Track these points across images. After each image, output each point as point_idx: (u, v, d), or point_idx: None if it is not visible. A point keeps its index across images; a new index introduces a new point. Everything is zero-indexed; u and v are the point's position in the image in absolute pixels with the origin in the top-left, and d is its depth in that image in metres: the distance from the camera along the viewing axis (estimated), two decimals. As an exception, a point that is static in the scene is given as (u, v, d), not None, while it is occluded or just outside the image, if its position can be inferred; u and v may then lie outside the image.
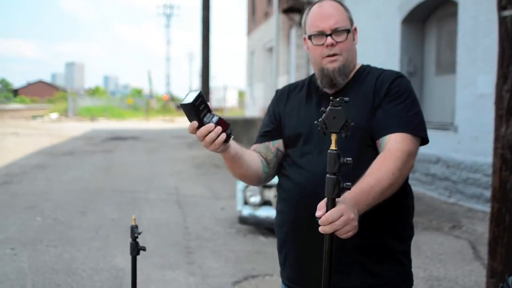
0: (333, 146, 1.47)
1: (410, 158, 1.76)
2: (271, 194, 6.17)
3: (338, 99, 1.48)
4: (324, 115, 1.48)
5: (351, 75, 1.96)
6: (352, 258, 1.82)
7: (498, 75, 3.78)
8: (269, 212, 5.98)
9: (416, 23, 10.05)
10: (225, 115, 34.05)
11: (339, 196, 1.47)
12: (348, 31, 1.90)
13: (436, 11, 9.74)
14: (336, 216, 1.45)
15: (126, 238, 5.77)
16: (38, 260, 5.23)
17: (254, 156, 1.96)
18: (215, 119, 1.66)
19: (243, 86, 35.22)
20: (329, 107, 1.48)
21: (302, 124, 1.93)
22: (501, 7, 3.75)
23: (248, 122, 18.45)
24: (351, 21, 1.95)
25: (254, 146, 2.04)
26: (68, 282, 4.65)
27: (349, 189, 1.48)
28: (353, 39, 1.96)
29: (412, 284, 1.95)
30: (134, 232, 2.23)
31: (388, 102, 1.85)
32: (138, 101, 53.13)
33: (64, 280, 4.69)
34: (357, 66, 2.00)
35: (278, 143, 2.00)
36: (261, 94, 23.63)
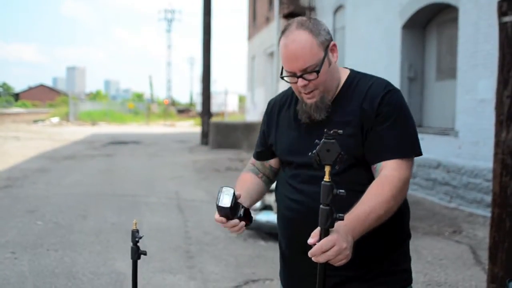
0: (326, 178, 1.50)
1: (405, 185, 1.77)
2: (271, 199, 6.18)
3: (332, 132, 1.53)
4: (318, 147, 1.52)
5: (337, 91, 1.89)
6: (346, 271, 1.82)
7: (499, 80, 3.79)
8: (270, 217, 5.98)
9: (417, 28, 10.07)
10: (226, 119, 34.08)
11: (332, 227, 1.50)
12: (318, 71, 1.78)
13: (437, 17, 9.76)
14: (328, 246, 1.48)
15: (126, 242, 5.79)
16: (38, 264, 5.23)
17: (258, 185, 2.09)
18: (241, 212, 1.82)
19: (243, 90, 35.27)
20: (323, 139, 1.52)
21: (294, 153, 1.93)
22: (501, 13, 3.76)
23: (248, 127, 18.47)
24: (325, 44, 1.82)
25: (253, 161, 2.17)
26: (68, 286, 4.66)
27: (342, 219, 1.50)
28: (329, 64, 1.83)
29: (410, 283, 1.96)
30: (135, 236, 2.24)
31: (379, 124, 1.79)
32: (139, 106, 53.19)
33: (64, 284, 4.69)
34: (343, 78, 1.92)
35: (270, 162, 2.12)
36: (261, 99, 23.64)
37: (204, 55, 20.39)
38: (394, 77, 10.21)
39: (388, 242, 1.88)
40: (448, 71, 9.28)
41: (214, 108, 29.89)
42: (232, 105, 48.26)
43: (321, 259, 1.49)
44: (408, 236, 1.99)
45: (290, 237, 1.95)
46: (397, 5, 10.27)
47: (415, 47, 10.13)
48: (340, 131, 1.53)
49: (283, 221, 1.99)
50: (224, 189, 1.77)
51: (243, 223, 1.82)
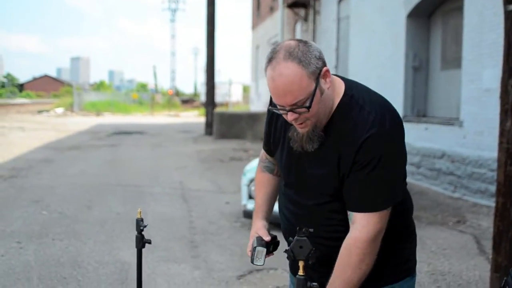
0: (301, 272, 1.65)
1: (375, 240, 1.75)
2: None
3: (304, 230, 1.65)
4: (291, 244, 1.67)
5: (330, 115, 1.78)
6: None
7: (504, 69, 3.77)
8: (275, 207, 5.98)
9: (422, 17, 10.01)
10: (230, 110, 34.06)
11: None
12: (308, 106, 1.66)
13: (442, 6, 9.71)
14: None
15: (131, 232, 5.81)
16: (44, 254, 5.26)
17: (277, 184, 2.15)
18: (271, 248, 2.04)
19: (248, 81, 35.21)
20: (296, 237, 1.66)
21: (284, 171, 1.98)
22: (507, 1, 3.74)
23: (253, 117, 18.46)
24: (316, 73, 1.67)
25: (266, 154, 2.15)
26: (74, 275, 4.68)
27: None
28: (322, 93, 1.70)
29: (410, 273, 1.97)
30: (140, 225, 2.25)
31: (355, 173, 1.73)
32: (143, 96, 53.18)
33: (70, 273, 4.72)
34: (337, 101, 1.78)
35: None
36: (266, 89, 23.60)
37: (208, 45, 20.35)
38: (398, 67, 10.18)
39: (392, 240, 1.88)
40: (453, 61, 9.23)
41: (218, 98, 29.88)
42: (236, 95, 48.19)
43: None
44: (413, 233, 2.00)
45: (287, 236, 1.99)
46: (402, -6, 10.21)
47: (419, 37, 10.08)
48: (311, 230, 1.66)
49: (282, 224, 2.09)
50: (258, 249, 1.96)
51: (273, 252, 2.07)
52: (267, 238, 1.99)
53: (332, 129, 1.77)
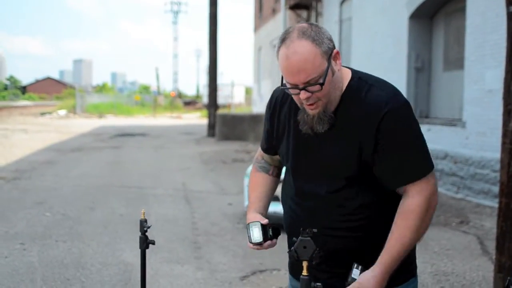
0: (304, 272, 1.65)
1: (432, 203, 1.78)
2: (278, 190, 6.18)
3: (307, 230, 1.65)
4: (295, 244, 1.67)
5: (339, 100, 1.80)
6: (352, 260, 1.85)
7: (507, 70, 3.77)
8: (277, 208, 5.95)
9: (424, 18, 10.02)
10: (232, 111, 34.08)
11: None
12: (322, 83, 1.69)
13: (444, 7, 9.71)
14: None
15: (134, 234, 5.81)
16: (47, 255, 5.27)
17: (272, 183, 2.17)
18: (271, 232, 1.95)
19: (250, 82, 35.23)
20: (300, 237, 1.67)
21: (292, 160, 1.93)
22: (509, 2, 3.74)
23: (255, 119, 18.48)
24: (328, 53, 1.71)
25: (262, 153, 2.14)
26: (77, 277, 4.69)
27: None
28: (333, 74, 1.74)
29: (415, 273, 1.97)
30: (144, 226, 2.25)
31: (385, 148, 1.74)
32: (146, 98, 53.26)
33: (73, 275, 4.73)
34: (345, 82, 1.81)
35: (278, 156, 2.08)
36: (268, 91, 23.61)
37: (211, 47, 20.37)
38: (401, 68, 10.18)
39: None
40: (456, 62, 9.23)
41: (220, 100, 29.90)
42: (238, 97, 48.22)
43: None
44: None
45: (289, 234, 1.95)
46: (404, -5, 10.21)
47: (422, 38, 10.08)
48: (315, 230, 1.66)
49: (286, 216, 2.03)
50: (251, 224, 1.89)
51: (275, 240, 1.97)
52: (264, 221, 1.91)
53: (344, 111, 1.79)
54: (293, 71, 1.69)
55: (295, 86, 1.72)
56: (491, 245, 5.24)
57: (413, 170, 1.75)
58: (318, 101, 1.75)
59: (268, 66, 24.30)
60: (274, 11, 22.30)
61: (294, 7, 17.28)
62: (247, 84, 53.14)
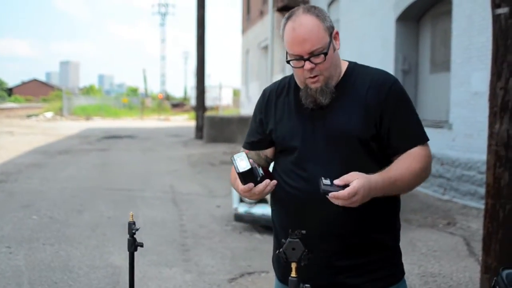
0: (293, 274, 1.65)
1: (430, 164, 1.91)
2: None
3: (296, 232, 1.66)
4: (284, 246, 1.67)
5: (339, 79, 1.92)
6: (342, 256, 1.88)
7: (492, 72, 3.81)
8: (265, 210, 5.99)
9: (411, 21, 10.08)
10: (220, 113, 34.05)
11: None
12: (326, 53, 1.82)
13: (431, 9, 9.78)
14: (352, 195, 1.66)
15: (122, 236, 5.79)
16: (34, 258, 5.23)
17: None
18: (261, 170, 1.81)
19: (238, 84, 35.24)
20: (288, 239, 1.66)
21: (296, 137, 1.93)
22: (495, 5, 3.78)
23: (243, 121, 18.46)
24: (330, 30, 1.86)
25: (246, 151, 2.06)
26: (64, 280, 4.66)
27: None
28: (334, 50, 1.88)
29: (403, 275, 1.99)
30: (132, 228, 2.25)
31: (395, 117, 1.86)
32: (133, 100, 53.03)
33: (60, 278, 4.70)
34: (344, 68, 1.96)
35: (266, 152, 2.06)
36: (256, 93, 23.63)
37: (198, 49, 20.35)
38: (388, 70, 10.04)
39: (392, 239, 1.93)
40: (442, 64, 9.30)
41: (208, 102, 29.86)
42: (226, 99, 48.20)
43: (341, 195, 1.65)
44: (399, 228, 2.02)
45: (293, 217, 1.91)
46: (391, -2, 10.28)
47: (409, 40, 10.15)
48: (303, 231, 1.67)
49: (284, 206, 1.95)
50: (235, 156, 1.77)
51: (268, 180, 1.80)
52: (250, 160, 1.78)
53: (347, 83, 1.92)
54: (299, 41, 1.82)
55: (300, 57, 1.83)
56: (478, 246, 5.28)
57: (418, 135, 1.90)
58: (320, 75, 1.85)
59: (255, 68, 24.33)
60: (261, 14, 22.33)
61: (282, 9, 17.31)
62: (235, 86, 53.16)
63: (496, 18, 3.78)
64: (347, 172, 1.73)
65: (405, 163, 1.82)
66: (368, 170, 1.76)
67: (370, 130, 1.84)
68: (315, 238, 1.81)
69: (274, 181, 1.84)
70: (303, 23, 1.82)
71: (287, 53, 1.88)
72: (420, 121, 1.93)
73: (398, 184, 1.79)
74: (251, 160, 1.77)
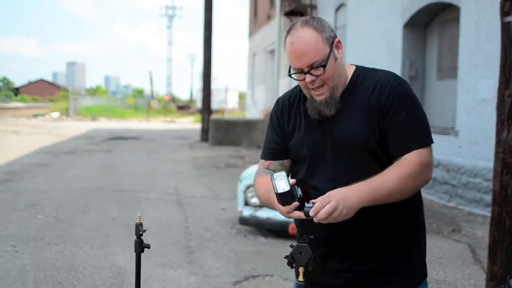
0: (301, 278, 1.68)
1: (427, 170, 1.84)
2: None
3: (304, 236, 1.69)
4: (292, 250, 1.69)
5: (345, 86, 1.92)
6: (359, 266, 1.90)
7: (500, 80, 3.81)
8: (270, 213, 5.99)
9: (418, 27, 10.08)
10: (226, 116, 34.09)
11: None
12: (325, 65, 1.83)
13: (438, 16, 9.78)
14: (325, 205, 1.67)
15: (127, 237, 5.82)
16: (39, 258, 5.25)
17: None
18: (299, 191, 1.75)
19: (244, 88, 35.26)
20: (296, 243, 1.69)
21: (306, 148, 1.95)
22: (504, 13, 3.78)
23: (248, 124, 18.49)
24: (330, 41, 1.86)
25: (266, 164, 2.06)
26: (69, 280, 4.68)
27: None
28: (335, 60, 1.88)
29: (425, 277, 2.00)
30: (139, 229, 2.26)
31: (393, 118, 1.84)
32: (139, 102, 53.14)
33: (65, 278, 4.72)
34: (350, 74, 1.95)
35: (289, 161, 2.05)
36: (262, 97, 23.65)
37: (205, 52, 20.39)
38: (395, 76, 10.21)
39: (401, 234, 1.92)
40: (449, 71, 9.29)
41: (214, 105, 29.88)
42: (232, 102, 48.20)
43: (320, 216, 1.65)
44: (423, 228, 2.02)
45: (305, 227, 1.91)
46: (398, 4, 10.28)
47: (416, 46, 10.14)
48: (312, 236, 1.71)
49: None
50: (276, 175, 1.72)
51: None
52: (291, 180, 1.77)
53: (352, 92, 1.91)
54: (297, 55, 1.84)
55: (300, 71, 1.85)
56: (483, 254, 5.27)
57: (414, 139, 1.84)
58: (323, 86, 1.87)
59: (262, 72, 24.34)
60: (269, 17, 22.36)
61: (289, 14, 17.34)
62: (240, 90, 53.18)
63: (504, 26, 3.79)
64: (354, 181, 1.76)
65: (391, 170, 1.79)
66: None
67: (375, 136, 1.85)
68: (326, 245, 1.86)
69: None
70: (300, 36, 1.84)
71: (290, 66, 1.90)
72: (424, 125, 1.89)
73: (382, 193, 1.76)
74: (293, 180, 1.75)
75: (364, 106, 1.87)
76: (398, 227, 1.90)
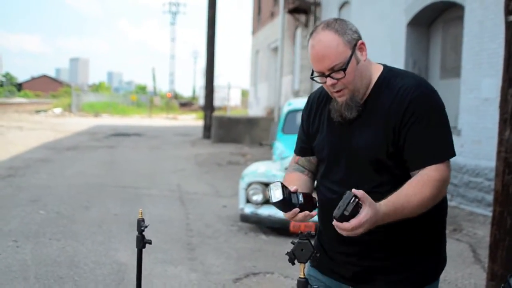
0: (301, 274, 1.68)
1: (444, 186, 1.83)
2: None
3: (305, 233, 1.69)
4: (293, 246, 1.69)
5: (369, 91, 1.91)
6: (372, 261, 1.93)
7: (504, 79, 3.80)
8: (271, 211, 6.00)
9: (422, 26, 10.06)
10: (228, 114, 34.10)
11: None
12: (345, 69, 1.82)
13: (442, 15, 9.75)
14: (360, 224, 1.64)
15: (128, 233, 5.82)
16: (41, 253, 5.26)
17: (306, 181, 2.07)
18: (300, 197, 1.81)
19: (246, 85, 35.26)
20: (298, 240, 1.69)
21: (325, 149, 1.98)
22: (508, 12, 3.77)
23: (251, 121, 18.49)
24: (352, 43, 1.85)
25: (296, 158, 2.15)
26: (70, 275, 4.69)
27: None
28: (357, 62, 1.86)
29: (442, 268, 2.14)
30: (141, 225, 2.26)
31: (411, 130, 1.81)
32: (142, 98, 53.15)
33: (66, 273, 4.72)
34: (376, 75, 1.93)
35: (314, 159, 2.10)
36: (265, 94, 23.64)
37: (208, 49, 20.39)
38: (398, 75, 10.20)
39: (441, 236, 2.03)
40: (452, 70, 9.28)
41: (216, 102, 29.88)
42: (235, 100, 48.17)
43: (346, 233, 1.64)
44: (442, 234, 2.11)
45: (325, 222, 1.96)
46: (402, 3, 10.26)
47: (419, 45, 10.13)
48: (313, 232, 1.72)
49: (320, 209, 1.99)
50: (272, 185, 1.76)
51: (314, 212, 1.85)
52: (292, 188, 1.82)
53: (375, 99, 1.89)
54: (318, 58, 1.84)
55: (321, 74, 1.86)
56: (484, 253, 5.27)
57: (433, 152, 1.81)
58: (344, 89, 1.87)
59: (265, 69, 24.33)
60: (272, 15, 22.33)
61: (292, 11, 17.31)
62: (243, 87, 53.15)
63: (508, 25, 3.78)
64: (362, 188, 1.73)
65: (414, 189, 1.76)
66: (384, 186, 1.82)
67: (388, 148, 1.83)
68: (340, 242, 1.89)
69: (313, 213, 1.85)
70: (321, 39, 1.83)
71: (312, 70, 1.91)
72: (446, 137, 1.84)
73: (405, 212, 1.75)
74: (294, 188, 1.80)
75: (384, 114, 1.85)
76: (411, 226, 1.88)
